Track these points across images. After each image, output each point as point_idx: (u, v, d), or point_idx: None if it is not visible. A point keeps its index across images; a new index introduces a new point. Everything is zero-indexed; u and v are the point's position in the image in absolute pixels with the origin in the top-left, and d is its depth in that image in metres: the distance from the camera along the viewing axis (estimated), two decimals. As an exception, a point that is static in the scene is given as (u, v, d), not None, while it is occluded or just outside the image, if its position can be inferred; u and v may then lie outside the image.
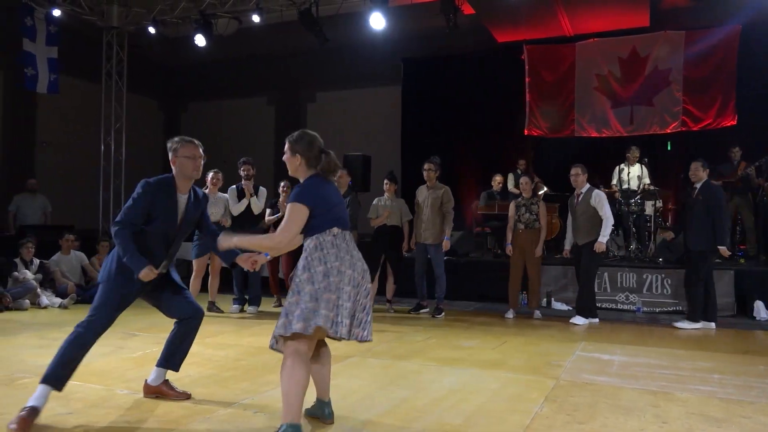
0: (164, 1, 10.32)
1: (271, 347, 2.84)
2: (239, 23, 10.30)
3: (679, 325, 6.18)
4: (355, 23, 9.67)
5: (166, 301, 3.43)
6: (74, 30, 10.66)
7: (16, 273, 7.24)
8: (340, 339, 2.80)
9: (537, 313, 6.78)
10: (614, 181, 8.81)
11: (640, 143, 8.95)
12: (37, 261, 7.62)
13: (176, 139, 3.42)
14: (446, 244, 6.79)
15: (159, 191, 3.30)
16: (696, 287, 6.14)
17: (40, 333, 5.48)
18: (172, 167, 3.39)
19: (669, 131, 9.50)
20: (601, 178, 8.93)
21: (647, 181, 8.42)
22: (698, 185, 6.22)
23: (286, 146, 3.01)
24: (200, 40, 10.00)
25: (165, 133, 14.39)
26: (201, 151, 3.42)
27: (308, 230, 2.87)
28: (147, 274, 3.16)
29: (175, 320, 3.46)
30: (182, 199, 3.39)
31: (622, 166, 8.69)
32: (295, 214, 2.83)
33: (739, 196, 8.28)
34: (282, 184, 7.13)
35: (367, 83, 12.34)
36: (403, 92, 11.88)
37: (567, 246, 6.77)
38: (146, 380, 3.43)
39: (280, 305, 7.50)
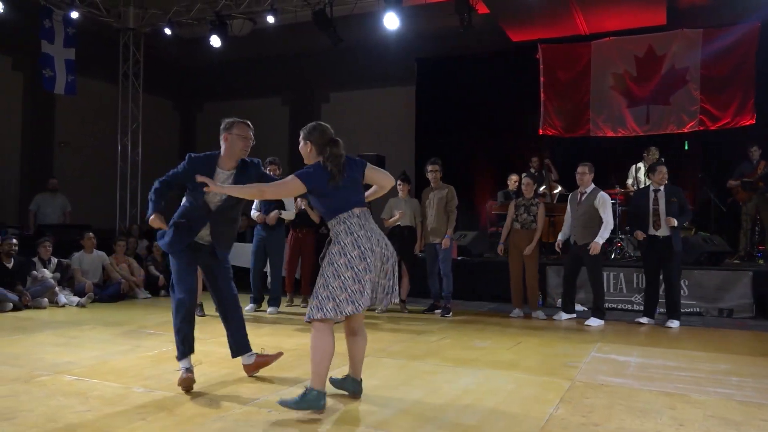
0: (180, 2, 10.40)
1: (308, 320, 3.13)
2: (254, 24, 10.36)
3: (670, 324, 6.20)
4: (368, 23, 9.68)
5: (211, 285, 3.78)
6: (91, 32, 10.79)
7: (34, 272, 7.34)
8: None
9: (540, 314, 6.77)
10: (630, 181, 8.73)
11: (657, 143, 8.86)
12: (55, 260, 7.72)
13: (230, 119, 3.66)
14: (446, 242, 6.78)
15: (199, 163, 3.56)
16: (678, 286, 6.38)
17: (59, 331, 5.56)
18: (222, 144, 3.62)
19: (686, 131, 9.39)
20: (617, 177, 8.86)
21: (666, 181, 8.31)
22: (662, 188, 6.29)
23: (301, 137, 3.33)
24: (215, 41, 10.08)
25: (180, 133, 14.52)
26: (252, 134, 3.67)
27: (330, 210, 3.19)
28: (153, 220, 3.51)
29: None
30: (224, 175, 3.60)
31: (639, 165, 8.60)
32: (290, 183, 3.21)
33: (759, 196, 8.17)
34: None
35: (381, 83, 12.35)
36: (417, 92, 11.87)
37: (561, 237, 6.72)
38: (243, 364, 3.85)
39: (292, 304, 7.53)
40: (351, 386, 3.44)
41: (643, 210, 6.33)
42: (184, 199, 3.75)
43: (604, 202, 6.34)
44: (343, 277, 3.06)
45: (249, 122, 3.68)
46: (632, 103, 9.74)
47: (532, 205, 6.82)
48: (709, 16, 9.71)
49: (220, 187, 3.36)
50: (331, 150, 3.21)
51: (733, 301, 6.99)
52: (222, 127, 3.62)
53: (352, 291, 3.05)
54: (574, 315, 6.64)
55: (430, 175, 6.95)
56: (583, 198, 6.48)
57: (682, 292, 7.10)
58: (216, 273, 3.77)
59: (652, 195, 6.31)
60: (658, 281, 6.41)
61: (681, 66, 9.40)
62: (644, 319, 6.40)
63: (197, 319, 3.97)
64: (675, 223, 6.09)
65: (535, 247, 6.74)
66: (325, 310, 3.05)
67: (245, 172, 3.66)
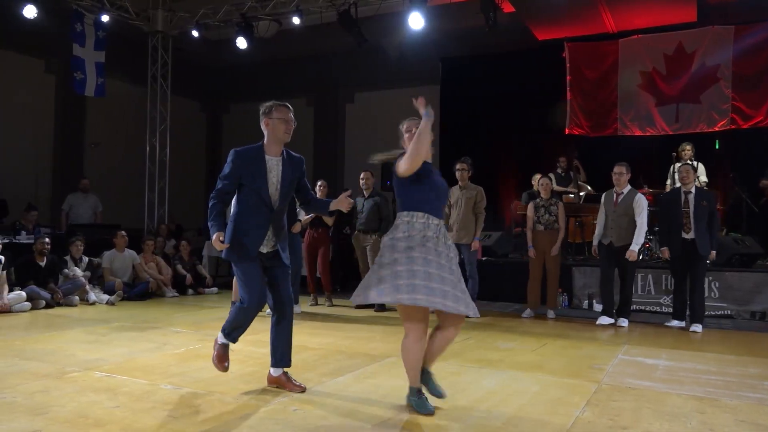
0: (207, 5, 10.54)
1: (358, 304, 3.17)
2: (279, 25, 10.44)
3: (694, 329, 6.06)
4: (393, 23, 9.69)
5: (269, 285, 3.59)
6: (121, 35, 10.98)
7: (66, 270, 7.50)
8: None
9: (551, 313, 6.78)
10: (669, 182, 8.53)
11: (687, 141, 8.68)
12: (86, 258, 7.88)
13: (269, 103, 3.56)
14: (475, 245, 6.78)
15: (247, 157, 3.48)
16: (702, 290, 6.25)
17: (89, 329, 5.67)
18: (264, 130, 3.53)
19: (717, 129, 9.19)
20: (645, 178, 8.71)
21: (705, 179, 8.07)
22: (693, 190, 6.18)
23: (404, 128, 3.29)
24: (241, 43, 10.18)
25: (207, 134, 14.69)
26: (292, 115, 3.56)
27: (413, 204, 3.12)
28: (214, 241, 3.38)
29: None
30: (273, 161, 3.52)
31: (678, 165, 8.41)
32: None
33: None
34: (319, 183, 7.22)
35: (405, 83, 12.33)
36: (441, 92, 11.81)
37: (595, 242, 6.63)
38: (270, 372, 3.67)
39: (316, 304, 7.57)
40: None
41: (674, 213, 6.22)
42: (235, 204, 3.55)
43: (642, 205, 6.27)
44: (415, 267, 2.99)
45: (288, 104, 3.57)
46: (661, 102, 9.56)
47: (552, 205, 6.81)
48: (740, 12, 9.48)
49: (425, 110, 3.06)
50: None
51: (765, 303, 6.84)
52: (261, 112, 3.52)
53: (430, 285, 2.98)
54: (613, 320, 6.46)
55: (457, 174, 6.91)
56: (620, 199, 6.38)
57: (712, 294, 7.00)
58: (276, 273, 3.59)
59: (683, 197, 6.20)
60: (686, 284, 6.30)
61: (712, 63, 9.20)
62: (674, 323, 6.28)
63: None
64: (714, 256, 6.10)
65: (559, 247, 6.71)
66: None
67: (291, 162, 3.56)
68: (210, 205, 3.46)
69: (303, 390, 3.54)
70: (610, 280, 6.52)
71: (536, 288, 6.89)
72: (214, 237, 3.37)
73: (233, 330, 3.60)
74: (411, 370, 3.17)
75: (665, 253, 6.28)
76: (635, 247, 6.19)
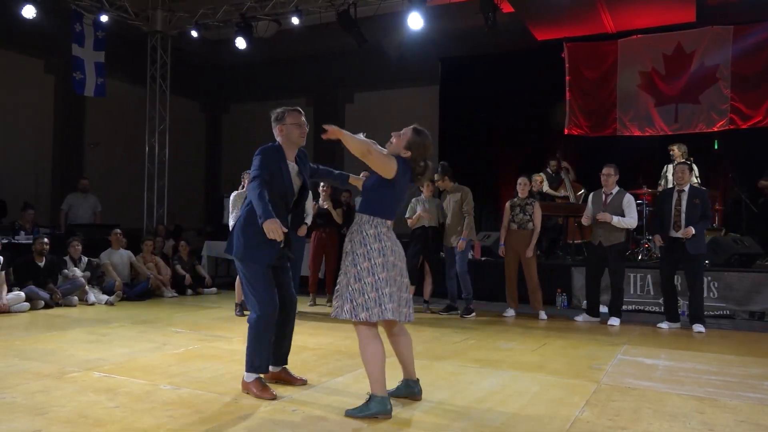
0: (206, 5, 10.53)
1: (334, 316, 3.13)
2: (279, 25, 10.44)
3: (695, 329, 6.01)
4: (393, 23, 9.69)
5: (276, 286, 3.54)
6: (120, 35, 10.97)
7: (66, 270, 7.49)
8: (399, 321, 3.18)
9: (542, 314, 6.77)
10: (662, 182, 8.55)
11: (686, 142, 8.69)
12: (85, 259, 7.87)
13: (279, 109, 3.55)
14: (461, 245, 6.82)
15: (274, 155, 3.46)
16: (700, 290, 6.16)
17: (89, 329, 5.67)
18: (279, 137, 3.52)
19: (716, 129, 9.20)
20: (644, 178, 8.72)
21: (695, 181, 8.10)
22: (686, 189, 6.14)
23: (409, 131, 3.28)
24: (240, 43, 10.17)
25: (207, 134, 14.69)
26: (304, 119, 3.55)
27: (376, 208, 3.14)
28: (273, 228, 3.11)
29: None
30: (290, 165, 3.53)
31: (670, 166, 8.45)
32: (390, 161, 3.13)
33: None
34: (321, 184, 7.21)
35: (405, 83, 12.34)
36: (441, 92, 11.82)
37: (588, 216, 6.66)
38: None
39: (315, 304, 7.57)
40: (405, 390, 3.36)
41: (667, 211, 6.22)
42: (247, 204, 3.44)
43: (631, 204, 6.33)
44: (363, 281, 3.03)
45: (299, 107, 3.57)
46: (660, 102, 9.57)
47: (528, 205, 6.87)
48: (739, 12, 9.49)
49: (339, 131, 3.01)
50: (425, 163, 3.27)
51: (764, 304, 6.84)
52: (273, 119, 3.50)
53: (369, 298, 3.01)
54: (598, 319, 6.58)
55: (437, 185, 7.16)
56: (608, 200, 6.42)
57: (711, 294, 6.99)
58: (284, 273, 3.61)
59: (675, 196, 6.19)
60: (674, 284, 6.29)
61: (711, 63, 9.21)
62: (665, 324, 6.21)
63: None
64: (693, 232, 5.95)
65: (534, 248, 6.79)
66: (342, 310, 3.06)
67: (301, 162, 3.60)
68: (258, 192, 3.21)
69: (305, 382, 3.64)
70: (596, 279, 6.59)
71: (512, 287, 6.97)
72: (274, 224, 3.11)
73: (262, 357, 3.40)
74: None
75: (657, 240, 6.26)
76: (615, 218, 6.21)
